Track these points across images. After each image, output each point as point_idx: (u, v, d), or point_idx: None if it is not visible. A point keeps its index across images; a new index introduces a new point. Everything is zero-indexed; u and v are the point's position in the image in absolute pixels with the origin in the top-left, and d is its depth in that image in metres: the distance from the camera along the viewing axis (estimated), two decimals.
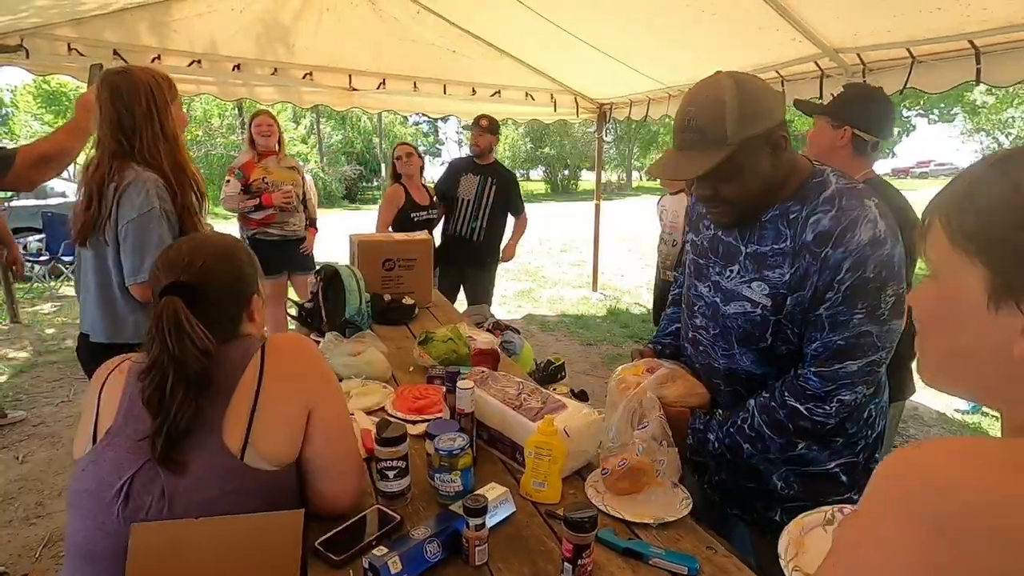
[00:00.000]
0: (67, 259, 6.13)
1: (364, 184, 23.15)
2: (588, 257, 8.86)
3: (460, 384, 1.21)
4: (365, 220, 13.29)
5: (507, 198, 3.63)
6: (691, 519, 1.05)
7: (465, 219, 3.54)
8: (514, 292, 6.30)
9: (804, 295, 1.01)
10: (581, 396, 1.90)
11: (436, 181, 3.82)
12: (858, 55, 3.12)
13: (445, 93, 5.14)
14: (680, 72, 4.28)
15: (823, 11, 2.86)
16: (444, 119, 33.74)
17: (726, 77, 1.01)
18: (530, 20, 3.92)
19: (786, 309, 1.04)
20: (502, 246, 3.75)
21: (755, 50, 3.54)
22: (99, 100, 1.56)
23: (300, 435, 0.94)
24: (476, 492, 1.01)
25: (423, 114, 5.67)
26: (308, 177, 6.55)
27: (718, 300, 1.16)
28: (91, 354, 1.60)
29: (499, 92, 5.30)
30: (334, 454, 0.98)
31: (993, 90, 11.07)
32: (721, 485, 1.28)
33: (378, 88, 4.94)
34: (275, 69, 4.57)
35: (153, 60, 4.07)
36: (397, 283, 2.44)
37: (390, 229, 3.39)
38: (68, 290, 6.23)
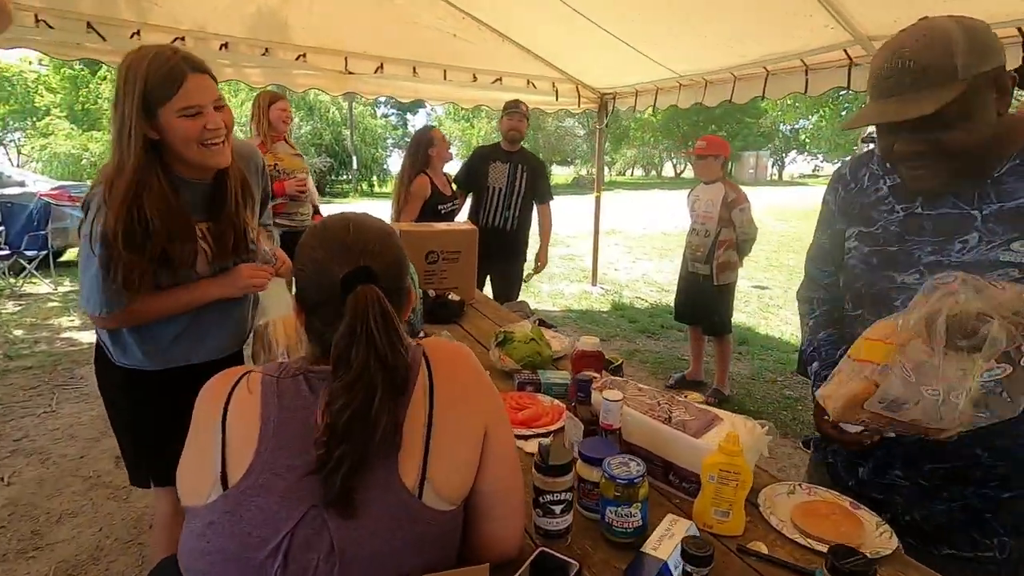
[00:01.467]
0: (30, 253, 5.62)
1: (332, 177, 22.38)
2: (577, 251, 8.78)
3: (608, 395, 1.03)
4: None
5: (536, 185, 3.50)
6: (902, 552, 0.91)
7: (498, 208, 3.41)
8: None
9: None
10: None
11: (459, 170, 3.63)
12: None
13: (445, 79, 4.94)
14: (697, 60, 4.17)
15: None
16: (414, 111, 33.21)
17: (939, 17, 0.89)
18: (538, 3, 3.73)
19: None
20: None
21: (782, 37, 3.45)
22: None
23: (477, 463, 0.76)
24: (693, 536, 0.84)
25: (393, 99, 5.34)
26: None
27: None
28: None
29: (500, 79, 5.12)
30: (508, 485, 0.80)
31: None
32: (916, 526, 1.05)
33: (375, 72, 4.70)
34: (266, 50, 4.28)
35: (132, 36, 3.73)
36: (440, 277, 2.24)
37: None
38: (32, 287, 5.72)
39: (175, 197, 1.27)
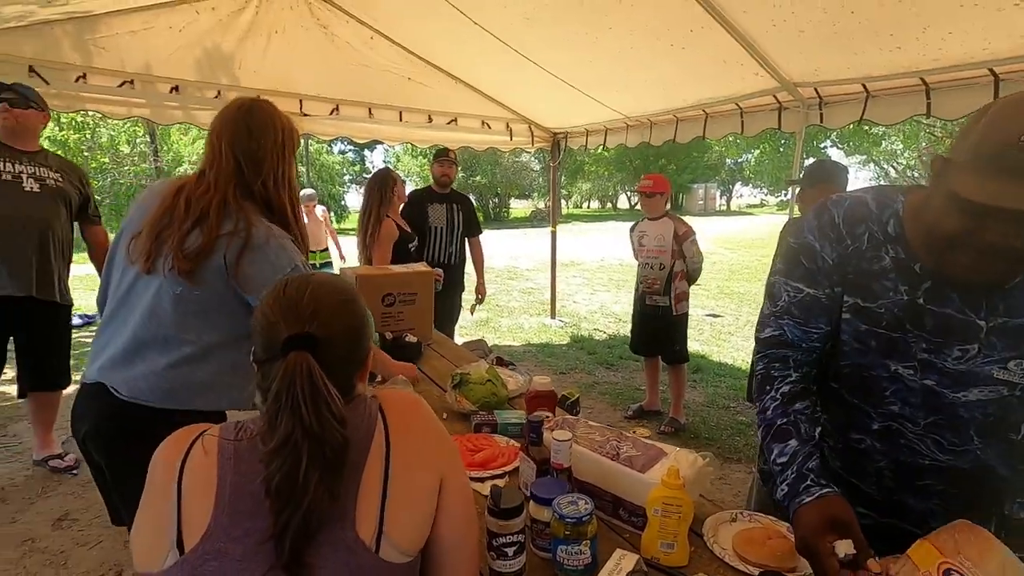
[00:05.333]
0: None
1: None
2: (535, 284, 8.91)
3: (557, 436, 1.07)
4: None
5: (470, 221, 3.90)
6: None
7: (441, 245, 3.75)
8: (473, 322, 6.14)
9: None
10: None
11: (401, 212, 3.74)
12: (815, 89, 3.33)
13: (401, 120, 5.04)
14: (640, 103, 4.42)
15: (788, 48, 3.03)
16: (371, 148, 33.34)
17: None
18: (490, 49, 3.90)
19: None
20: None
21: (716, 82, 3.70)
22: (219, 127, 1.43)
23: (433, 512, 0.79)
24: (638, 571, 0.87)
25: (350, 140, 5.41)
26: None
27: (931, 383, 0.93)
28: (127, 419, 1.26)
29: (456, 120, 5.26)
30: (463, 533, 0.82)
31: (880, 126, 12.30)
32: None
33: (331, 114, 4.76)
34: (218, 92, 4.28)
35: (77, 79, 3.68)
36: (397, 320, 2.25)
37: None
38: None
39: None
